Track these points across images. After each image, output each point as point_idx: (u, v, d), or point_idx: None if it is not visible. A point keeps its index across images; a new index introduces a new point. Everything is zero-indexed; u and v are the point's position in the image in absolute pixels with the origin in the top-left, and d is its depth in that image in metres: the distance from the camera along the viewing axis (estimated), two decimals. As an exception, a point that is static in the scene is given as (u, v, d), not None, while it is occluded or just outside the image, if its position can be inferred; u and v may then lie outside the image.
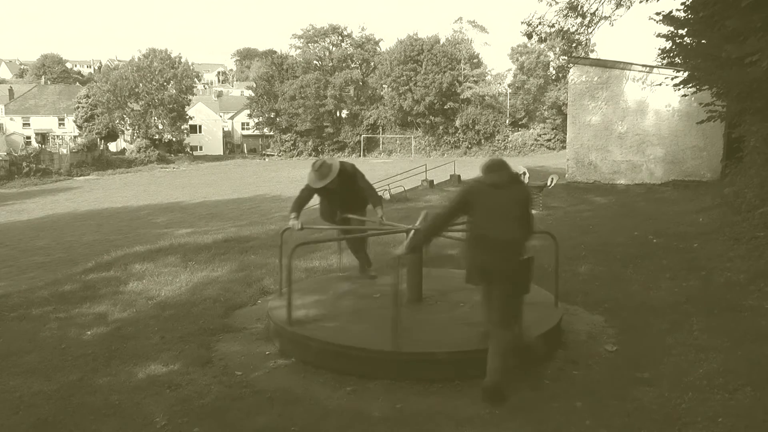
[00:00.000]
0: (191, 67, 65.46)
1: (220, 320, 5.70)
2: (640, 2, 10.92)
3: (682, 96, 14.17)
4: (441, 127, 56.12)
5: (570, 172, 17.84)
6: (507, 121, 56.26)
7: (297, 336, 4.77)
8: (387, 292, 5.66)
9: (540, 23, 11.94)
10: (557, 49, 44.85)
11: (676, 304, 5.89)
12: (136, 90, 58.82)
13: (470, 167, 33.72)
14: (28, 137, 64.75)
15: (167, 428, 3.76)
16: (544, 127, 54.29)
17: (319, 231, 6.69)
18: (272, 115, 62.14)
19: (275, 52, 68.00)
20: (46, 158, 50.37)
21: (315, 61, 61.85)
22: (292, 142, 61.36)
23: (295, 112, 59.37)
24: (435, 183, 23.49)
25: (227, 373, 4.53)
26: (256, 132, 68.90)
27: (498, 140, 54.80)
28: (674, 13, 9.25)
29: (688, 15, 9.18)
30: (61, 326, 5.71)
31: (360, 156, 57.76)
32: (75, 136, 61.03)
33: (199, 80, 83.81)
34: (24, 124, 67.25)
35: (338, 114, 61.42)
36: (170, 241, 10.80)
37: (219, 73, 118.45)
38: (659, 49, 11.34)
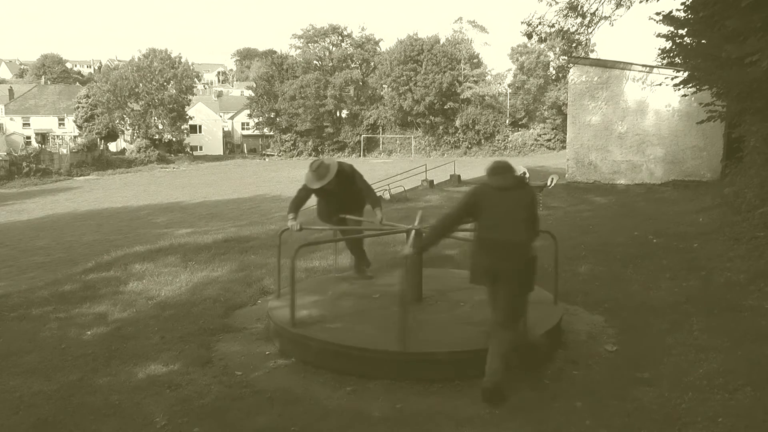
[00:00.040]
0: (191, 67, 65.48)
1: (220, 320, 5.70)
2: (640, 2, 10.93)
3: (682, 96, 14.17)
4: (441, 127, 56.14)
5: (570, 172, 17.84)
6: (507, 121, 56.27)
7: (297, 336, 4.77)
8: (386, 293, 5.68)
9: (540, 23, 11.95)
10: (557, 49, 44.87)
11: (676, 304, 5.88)
12: (136, 90, 58.84)
13: (470, 167, 33.79)
14: (28, 137, 64.76)
15: (167, 428, 3.76)
16: (544, 127, 54.31)
17: (319, 231, 6.69)
18: (272, 115, 62.16)
19: (275, 52, 68.07)
20: (46, 158, 50.39)
21: (315, 61, 61.87)
22: (292, 142, 61.38)
23: (295, 112, 59.38)
24: (435, 183, 23.51)
25: (227, 373, 4.53)
26: (256, 132, 68.91)
27: (498, 140, 54.82)
28: (674, 13, 9.25)
29: (688, 15, 9.17)
30: (61, 326, 5.71)
31: (360, 156, 57.78)
32: (75, 136, 61.05)
33: (199, 80, 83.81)
34: (24, 124, 67.26)
35: (338, 114, 61.44)
36: (170, 241, 10.81)
37: (219, 73, 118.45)
38: (659, 49, 11.34)
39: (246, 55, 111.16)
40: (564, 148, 25.95)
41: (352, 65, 61.95)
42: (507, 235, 4.05)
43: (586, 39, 12.97)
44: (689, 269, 7.13)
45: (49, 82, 79.98)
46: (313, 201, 5.99)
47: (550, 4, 11.71)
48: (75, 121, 60.87)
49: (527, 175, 13.15)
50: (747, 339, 4.82)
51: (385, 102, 58.14)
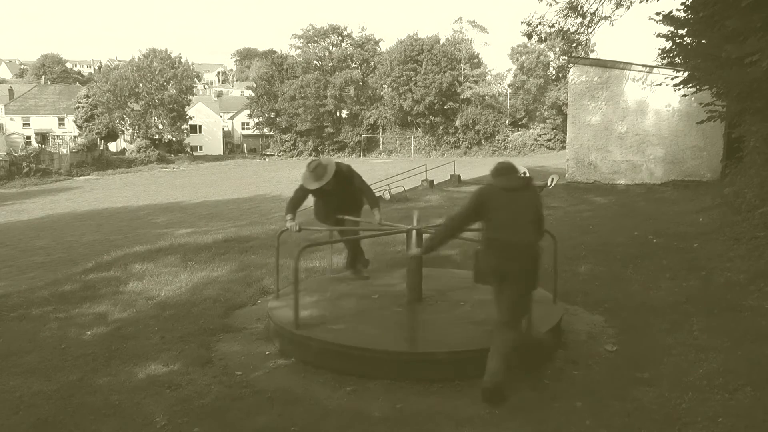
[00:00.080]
0: (191, 67, 65.48)
1: (220, 320, 5.70)
2: (640, 2, 10.93)
3: (682, 96, 14.17)
4: (441, 127, 56.14)
5: (570, 172, 17.84)
6: (507, 121, 56.27)
7: (297, 336, 4.77)
8: (386, 293, 5.69)
9: (540, 23, 11.94)
10: (557, 49, 44.86)
11: (676, 304, 5.88)
12: (136, 90, 58.84)
13: (470, 167, 33.82)
14: (28, 137, 64.76)
15: (167, 428, 3.76)
16: (544, 127, 54.30)
17: (319, 232, 6.68)
18: (272, 115, 62.16)
19: (275, 52, 68.08)
20: (46, 158, 50.39)
21: (315, 61, 61.87)
22: (292, 142, 61.38)
23: (295, 112, 59.39)
24: (435, 183, 23.53)
25: (227, 373, 4.53)
26: (256, 132, 68.91)
27: (498, 140, 54.82)
28: (674, 13, 9.25)
29: (688, 15, 9.17)
30: (61, 326, 5.71)
31: (360, 156, 57.80)
32: (75, 136, 61.06)
33: (199, 80, 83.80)
34: (24, 124, 67.26)
35: (338, 114, 61.44)
36: (170, 241, 10.81)
37: (219, 73, 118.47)
38: (659, 49, 11.34)
39: (246, 55, 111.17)
40: (564, 148, 25.95)
41: (352, 65, 61.96)
42: (517, 235, 4.09)
43: (586, 39, 12.97)
44: (689, 269, 7.13)
45: (49, 82, 79.99)
46: (310, 201, 5.98)
47: (550, 4, 11.72)
48: (75, 121, 60.88)
49: (527, 175, 13.13)
50: (747, 339, 4.82)
51: (385, 102, 58.14)
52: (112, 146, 61.71)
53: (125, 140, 62.65)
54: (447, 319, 5.01)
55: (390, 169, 35.48)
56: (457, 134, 55.81)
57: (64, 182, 46.78)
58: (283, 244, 5.87)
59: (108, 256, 9.49)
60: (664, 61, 12.37)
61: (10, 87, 72.81)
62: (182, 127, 63.00)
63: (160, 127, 60.78)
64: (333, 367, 4.52)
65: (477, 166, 34.70)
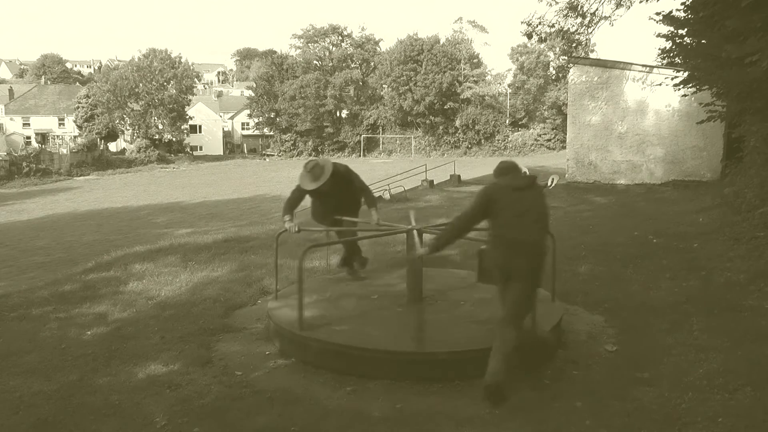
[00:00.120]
0: (191, 67, 65.47)
1: (220, 320, 5.70)
2: (640, 2, 10.92)
3: (682, 96, 14.17)
4: (441, 127, 56.14)
5: (570, 172, 17.84)
6: (507, 121, 56.27)
7: (297, 336, 4.77)
8: (385, 293, 5.69)
9: (540, 23, 11.94)
10: (557, 49, 44.85)
11: (676, 304, 5.88)
12: (136, 90, 58.84)
13: (470, 167, 33.80)
14: (28, 137, 64.76)
15: (167, 428, 3.76)
16: (544, 127, 54.30)
17: (318, 232, 6.67)
18: (272, 115, 62.16)
19: (275, 52, 68.07)
20: (46, 158, 50.40)
21: (315, 61, 61.86)
22: (292, 142, 61.38)
23: (295, 112, 59.39)
24: (435, 183, 23.53)
25: (227, 373, 4.53)
26: (256, 132, 68.91)
27: (498, 140, 54.82)
28: (674, 13, 9.24)
29: (688, 15, 9.17)
30: (61, 326, 5.71)
31: (360, 156, 57.80)
32: (75, 136, 61.06)
33: (199, 80, 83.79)
34: (24, 124, 67.26)
35: (338, 114, 61.44)
36: (170, 241, 10.81)
37: (219, 73, 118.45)
38: (659, 49, 11.34)
39: (246, 55, 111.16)
40: (564, 148, 25.95)
41: (352, 65, 61.95)
42: (524, 233, 4.12)
43: (586, 39, 12.97)
44: (689, 269, 7.13)
45: (49, 82, 79.98)
46: (307, 202, 5.96)
47: (550, 4, 11.72)
48: (75, 121, 60.88)
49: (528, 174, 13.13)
50: (747, 339, 4.82)
51: (385, 102, 58.14)
52: (112, 146, 61.71)
53: (125, 140, 62.66)
54: (447, 318, 5.02)
55: (390, 169, 35.48)
56: (457, 134, 55.81)
57: (64, 182, 46.79)
58: (282, 245, 5.86)
59: (108, 256, 9.49)
60: (664, 61, 12.37)
61: (10, 87, 72.81)
62: (182, 127, 62.99)
63: (160, 127, 60.78)
64: (333, 367, 4.52)
65: (477, 166, 34.70)
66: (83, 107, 58.88)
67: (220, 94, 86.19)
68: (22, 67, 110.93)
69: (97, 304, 6.39)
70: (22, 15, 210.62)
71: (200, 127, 70.74)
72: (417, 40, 56.26)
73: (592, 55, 28.93)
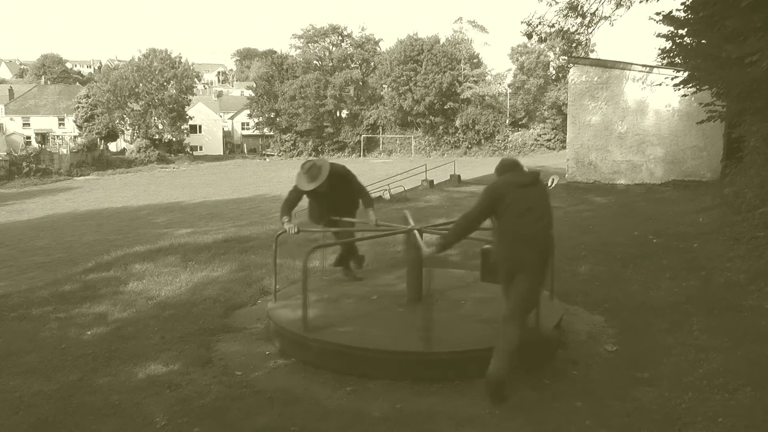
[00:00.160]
0: (191, 67, 65.46)
1: (220, 320, 5.70)
2: (640, 2, 10.93)
3: (682, 96, 14.17)
4: (441, 127, 56.13)
5: (570, 172, 17.84)
6: (507, 121, 56.26)
7: (297, 336, 4.77)
8: (384, 293, 5.68)
9: (540, 23, 11.95)
10: (557, 49, 44.85)
11: (676, 304, 5.89)
12: (136, 90, 58.84)
13: (470, 167, 33.80)
14: (28, 137, 64.76)
15: (167, 428, 3.76)
16: (544, 127, 54.28)
17: (318, 233, 6.66)
18: (272, 115, 62.15)
19: (275, 52, 68.05)
20: (46, 158, 50.41)
21: (315, 61, 61.85)
22: (292, 142, 61.37)
23: (295, 112, 59.38)
24: (435, 183, 23.53)
25: (227, 373, 4.53)
26: (256, 132, 68.91)
27: (498, 140, 54.82)
28: (674, 13, 9.25)
29: (688, 15, 9.17)
30: (61, 326, 5.71)
31: (360, 156, 57.80)
32: (75, 136, 61.06)
33: (199, 80, 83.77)
34: (24, 124, 67.26)
35: (338, 114, 61.43)
36: (170, 241, 10.81)
37: (219, 73, 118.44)
38: (659, 49, 11.34)
39: (246, 55, 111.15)
40: (564, 148, 25.95)
41: (352, 65, 61.93)
42: (531, 228, 4.13)
43: (586, 39, 12.97)
44: (689, 269, 7.13)
45: (49, 82, 79.98)
46: (305, 202, 5.94)
47: (550, 4, 11.72)
48: (75, 121, 60.88)
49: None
50: (747, 339, 4.83)
51: (385, 102, 58.13)
52: (112, 146, 61.71)
53: (125, 140, 62.65)
54: (447, 318, 5.01)
55: (390, 169, 35.48)
56: (457, 134, 55.80)
57: (64, 182, 46.80)
58: (281, 245, 5.86)
59: (108, 256, 9.49)
60: (664, 61, 12.37)
61: (10, 87, 72.81)
62: (182, 127, 62.99)
63: (160, 127, 60.78)
64: (333, 367, 4.52)
65: (477, 166, 34.70)
66: (83, 107, 58.88)
67: (220, 94, 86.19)
68: (22, 67, 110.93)
69: (97, 304, 6.39)
70: (22, 15, 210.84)
71: (200, 127, 70.74)
72: (417, 40, 56.24)
73: (592, 55, 28.93)
